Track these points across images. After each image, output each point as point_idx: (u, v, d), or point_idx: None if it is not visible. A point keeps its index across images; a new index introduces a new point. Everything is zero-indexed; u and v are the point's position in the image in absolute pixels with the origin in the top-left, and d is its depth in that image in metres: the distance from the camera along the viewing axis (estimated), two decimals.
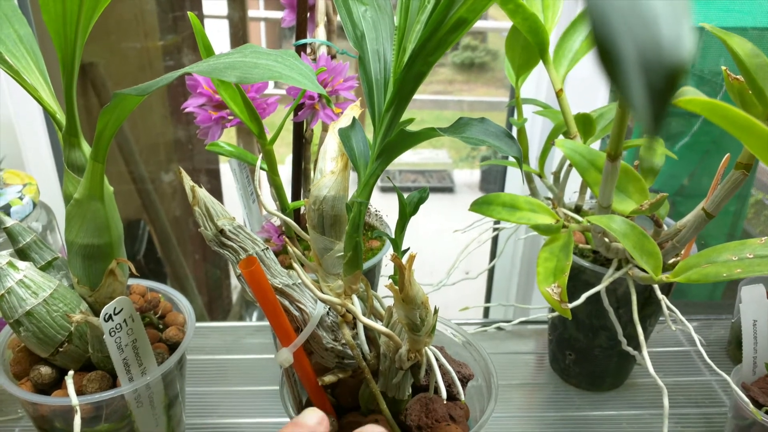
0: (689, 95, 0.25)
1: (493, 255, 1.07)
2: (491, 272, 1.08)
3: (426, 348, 0.41)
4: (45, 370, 0.43)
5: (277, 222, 0.60)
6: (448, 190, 3.21)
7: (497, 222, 0.72)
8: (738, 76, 0.46)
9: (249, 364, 0.70)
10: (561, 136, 0.62)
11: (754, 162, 0.47)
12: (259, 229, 0.60)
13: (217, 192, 1.49)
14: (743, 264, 0.42)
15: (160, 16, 1.34)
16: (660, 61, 0.10)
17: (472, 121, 0.36)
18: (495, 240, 1.01)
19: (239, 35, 1.44)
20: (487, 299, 1.12)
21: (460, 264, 0.74)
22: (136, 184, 1.31)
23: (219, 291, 1.56)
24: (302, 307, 0.41)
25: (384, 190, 3.08)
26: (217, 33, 1.44)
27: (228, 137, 0.55)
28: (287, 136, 0.59)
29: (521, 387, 0.68)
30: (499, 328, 0.75)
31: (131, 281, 0.54)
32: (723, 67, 0.48)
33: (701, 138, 1.06)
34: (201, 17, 1.36)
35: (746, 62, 0.43)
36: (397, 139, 0.38)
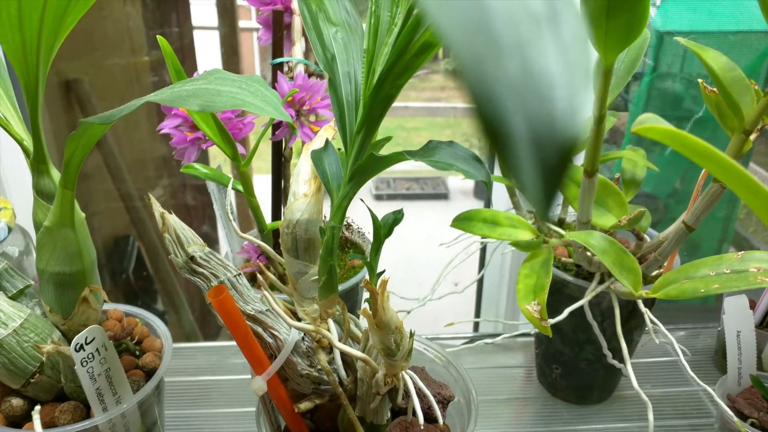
0: (650, 123, 0.24)
1: (482, 266, 1.06)
2: (480, 283, 1.08)
3: (403, 372, 0.41)
4: (16, 402, 0.43)
5: None
6: (443, 196, 3.22)
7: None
8: (714, 89, 0.46)
9: (234, 384, 0.69)
10: None
11: None
12: (239, 250, 0.60)
13: (208, 207, 1.48)
14: (721, 279, 0.41)
15: (147, 32, 1.34)
16: (552, 136, 0.09)
17: (440, 145, 0.35)
18: (484, 251, 1.01)
19: (230, 46, 1.43)
20: (477, 310, 1.11)
21: (450, 275, 0.73)
22: (124, 201, 1.31)
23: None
24: (276, 333, 0.40)
25: (377, 197, 3.07)
26: (208, 44, 1.44)
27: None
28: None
29: (509, 402, 0.67)
30: (486, 343, 0.75)
31: (108, 306, 0.53)
32: (699, 80, 0.48)
33: None
34: (190, 29, 1.36)
35: (721, 76, 0.43)
36: (367, 163, 0.38)
